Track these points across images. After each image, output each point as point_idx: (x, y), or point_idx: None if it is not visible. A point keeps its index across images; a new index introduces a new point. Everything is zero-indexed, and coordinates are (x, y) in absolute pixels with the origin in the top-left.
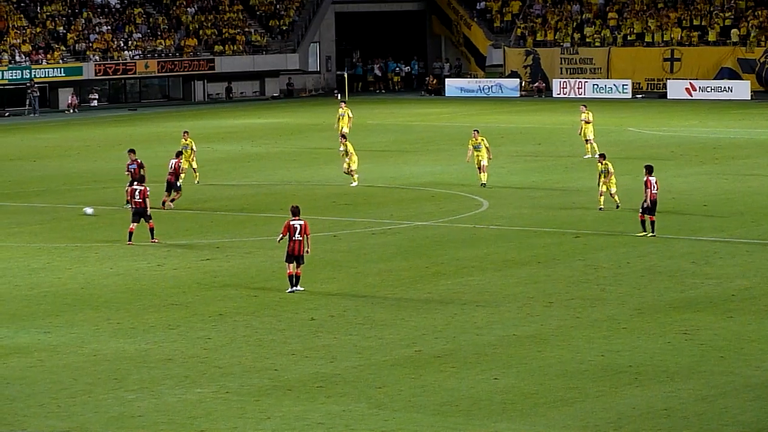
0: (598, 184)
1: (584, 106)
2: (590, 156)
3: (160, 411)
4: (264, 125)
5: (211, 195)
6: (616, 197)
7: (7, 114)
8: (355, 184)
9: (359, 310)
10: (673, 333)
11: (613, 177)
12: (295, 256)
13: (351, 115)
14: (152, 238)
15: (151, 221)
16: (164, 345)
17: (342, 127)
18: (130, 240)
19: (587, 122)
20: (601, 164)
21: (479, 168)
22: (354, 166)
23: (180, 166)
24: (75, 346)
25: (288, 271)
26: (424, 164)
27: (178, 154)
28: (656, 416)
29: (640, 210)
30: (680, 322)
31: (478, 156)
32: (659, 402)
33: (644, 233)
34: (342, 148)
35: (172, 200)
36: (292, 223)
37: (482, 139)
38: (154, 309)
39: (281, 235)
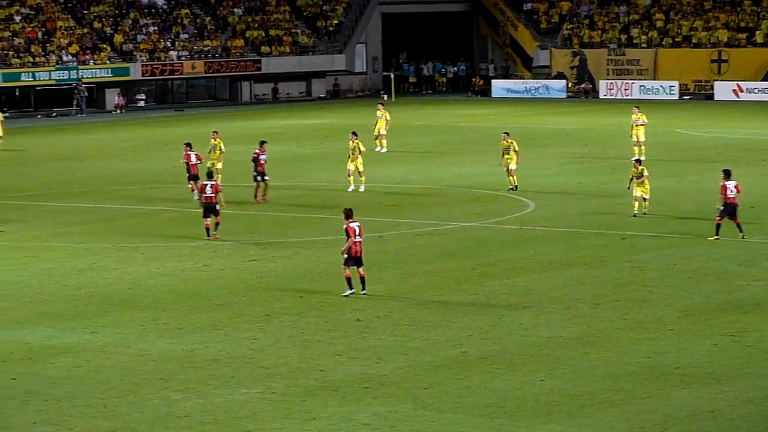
0: (628, 188)
1: (637, 107)
2: (642, 158)
3: (206, 411)
4: (310, 126)
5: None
6: (647, 204)
7: (54, 114)
8: (362, 188)
9: (405, 311)
10: (720, 335)
11: (647, 182)
12: (356, 257)
13: (389, 118)
14: (213, 233)
15: (218, 216)
16: (210, 345)
17: (379, 129)
18: (208, 236)
19: (639, 124)
20: (636, 169)
21: (508, 171)
22: (362, 168)
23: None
24: (121, 346)
25: (346, 274)
26: (470, 165)
27: (262, 144)
28: (702, 418)
29: (717, 214)
30: (727, 324)
31: (507, 159)
32: (706, 404)
33: (716, 237)
34: (352, 147)
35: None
36: (351, 225)
37: (512, 142)
38: (200, 309)
39: (349, 238)
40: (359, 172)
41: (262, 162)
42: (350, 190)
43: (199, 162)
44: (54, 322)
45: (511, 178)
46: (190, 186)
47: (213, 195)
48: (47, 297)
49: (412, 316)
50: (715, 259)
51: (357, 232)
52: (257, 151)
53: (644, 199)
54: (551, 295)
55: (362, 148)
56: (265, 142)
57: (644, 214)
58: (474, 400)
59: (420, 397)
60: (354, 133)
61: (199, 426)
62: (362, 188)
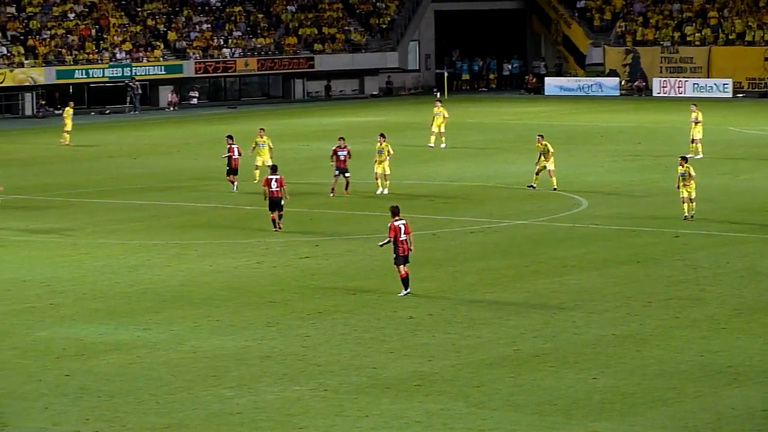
0: (677, 187)
1: (694, 105)
2: (700, 156)
3: (259, 408)
4: (363, 123)
5: (310, 192)
6: (694, 204)
7: (108, 111)
8: (386, 191)
9: (457, 308)
10: None
11: (693, 182)
12: (403, 256)
13: (447, 115)
14: (276, 227)
15: (281, 210)
16: (263, 342)
17: (438, 126)
18: (275, 227)
19: (696, 122)
20: (682, 167)
21: (548, 172)
22: (388, 171)
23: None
24: (174, 343)
25: (400, 274)
26: (522, 163)
27: (340, 139)
28: (756, 417)
29: None
30: None
31: (543, 161)
32: (759, 403)
33: None
34: (380, 149)
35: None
36: (396, 224)
37: (546, 144)
38: (252, 306)
39: (388, 238)
40: (385, 176)
41: (341, 158)
42: (378, 193)
43: (239, 156)
44: (107, 318)
45: (552, 179)
46: (229, 179)
47: (278, 189)
48: (100, 294)
49: (465, 314)
50: None
51: (403, 230)
52: (338, 146)
53: (690, 200)
54: (603, 293)
55: (391, 151)
56: (342, 138)
57: (691, 217)
58: (526, 398)
59: (472, 395)
60: (382, 135)
61: (251, 423)
62: (386, 191)
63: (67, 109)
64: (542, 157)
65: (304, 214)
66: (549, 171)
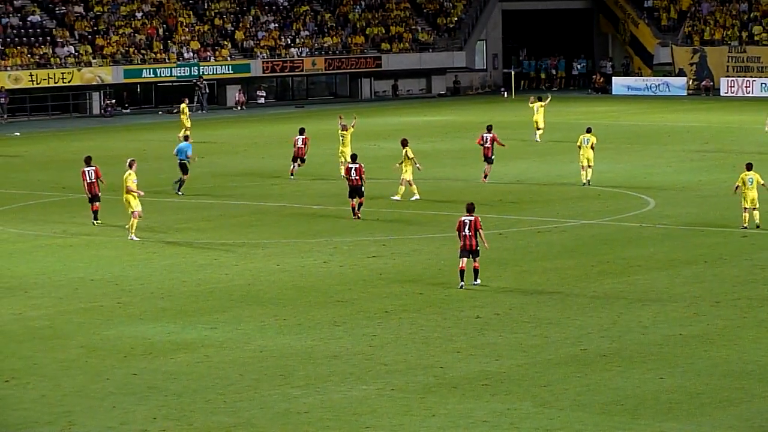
0: (737, 192)
1: None
2: None
3: (326, 407)
4: (430, 123)
5: (378, 192)
6: (756, 215)
7: (175, 111)
8: (416, 197)
9: (525, 308)
10: None
11: (753, 190)
12: (467, 250)
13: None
14: (355, 215)
15: (362, 198)
16: (330, 342)
17: (536, 122)
18: (354, 215)
19: None
20: (748, 173)
21: (582, 167)
22: (410, 176)
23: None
24: (241, 342)
25: (460, 266)
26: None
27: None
28: None
29: None
30: None
31: (585, 155)
32: None
33: None
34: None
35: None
36: (462, 219)
37: (590, 137)
38: (319, 305)
39: (457, 233)
40: (409, 182)
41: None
42: (413, 199)
43: (304, 146)
44: (174, 317)
45: (587, 171)
46: (292, 167)
47: (358, 177)
48: (168, 293)
49: (532, 314)
50: None
51: (468, 226)
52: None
53: (753, 208)
54: (671, 292)
55: (410, 156)
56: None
57: (757, 227)
58: (593, 398)
59: (539, 394)
60: (403, 142)
61: (318, 422)
62: (416, 197)
63: (182, 106)
64: (584, 149)
65: (370, 213)
66: (584, 166)
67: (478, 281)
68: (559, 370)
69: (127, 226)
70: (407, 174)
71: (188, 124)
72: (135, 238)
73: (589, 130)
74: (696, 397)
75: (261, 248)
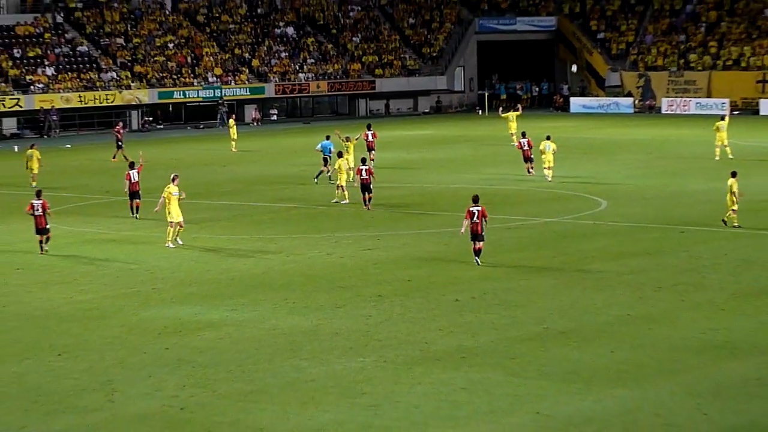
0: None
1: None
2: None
3: (329, 377)
4: (416, 136)
5: (373, 195)
6: (734, 216)
7: (201, 126)
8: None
9: (496, 293)
10: (765, 314)
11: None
12: (475, 234)
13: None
14: (366, 206)
15: (371, 193)
16: (332, 321)
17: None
18: (365, 206)
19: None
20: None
21: (544, 168)
22: (341, 182)
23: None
24: (257, 321)
25: (474, 247)
26: (554, 171)
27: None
28: (750, 385)
29: None
30: None
31: (547, 158)
32: (752, 372)
33: None
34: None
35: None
36: (471, 208)
37: (551, 143)
38: (323, 291)
39: (466, 220)
40: (343, 186)
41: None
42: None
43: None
44: (200, 301)
45: (547, 172)
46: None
47: (367, 177)
48: (195, 280)
49: (502, 297)
50: (761, 249)
51: (475, 215)
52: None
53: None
54: (620, 279)
55: (347, 165)
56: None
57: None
58: (554, 369)
59: (509, 366)
60: (339, 154)
61: (322, 389)
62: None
63: (231, 122)
64: (542, 155)
65: (367, 213)
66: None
67: (479, 261)
68: (525, 345)
69: (169, 243)
70: (342, 180)
71: (235, 135)
72: (171, 245)
73: (548, 138)
74: (641, 368)
75: (274, 242)
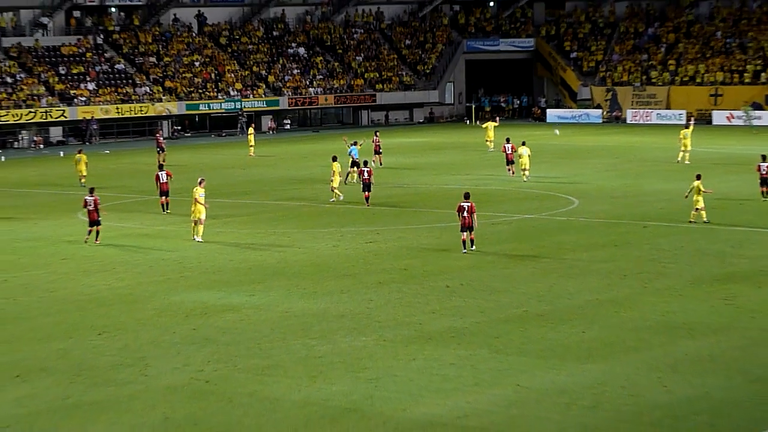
0: (686, 197)
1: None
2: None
3: (335, 353)
4: (412, 143)
5: (374, 194)
6: (704, 213)
7: (223, 134)
8: (334, 200)
9: (482, 280)
10: (717, 299)
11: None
12: (466, 227)
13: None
14: (367, 203)
15: (370, 192)
16: (338, 305)
17: (489, 137)
18: (366, 203)
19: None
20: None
21: (522, 170)
22: (335, 184)
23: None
24: (272, 305)
25: (462, 238)
26: (532, 173)
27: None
28: (703, 361)
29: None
30: (722, 290)
31: (523, 161)
32: (706, 350)
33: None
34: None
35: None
36: (461, 204)
37: (527, 148)
38: (330, 278)
39: (458, 214)
40: (333, 188)
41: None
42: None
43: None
44: (223, 287)
45: (524, 172)
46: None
47: (368, 177)
48: (218, 269)
49: (487, 284)
50: (714, 243)
51: (466, 210)
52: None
53: (696, 209)
54: (590, 268)
55: (335, 170)
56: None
57: (705, 222)
58: (532, 347)
59: (492, 344)
60: (334, 158)
61: (330, 364)
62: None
63: (250, 130)
64: (520, 159)
65: (369, 210)
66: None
67: (474, 247)
68: (507, 325)
69: (196, 237)
70: (335, 182)
71: (253, 142)
72: (199, 239)
73: (524, 143)
74: (609, 346)
75: (286, 236)
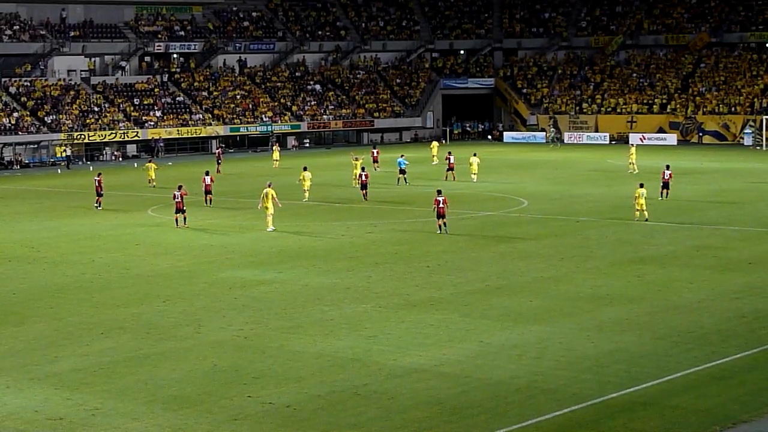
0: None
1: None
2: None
3: (342, 317)
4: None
5: (374, 196)
6: (646, 213)
7: (258, 150)
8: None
9: (454, 261)
10: (632, 276)
11: (642, 199)
12: (440, 215)
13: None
14: (365, 199)
15: (366, 190)
16: (345, 280)
17: (434, 156)
18: (364, 198)
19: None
20: (641, 189)
21: (473, 174)
22: (306, 186)
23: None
24: (295, 280)
25: (438, 223)
26: (492, 180)
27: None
28: (622, 324)
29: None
30: (635, 270)
31: (473, 167)
32: (624, 315)
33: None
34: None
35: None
36: (437, 198)
37: (477, 158)
38: (339, 259)
39: (434, 206)
40: (306, 191)
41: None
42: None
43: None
44: (258, 266)
45: (474, 176)
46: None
47: (366, 181)
48: (254, 252)
49: (458, 265)
50: (629, 234)
51: (440, 203)
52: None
53: (642, 209)
54: (537, 252)
55: (305, 178)
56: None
57: (645, 220)
58: (493, 312)
59: (462, 310)
60: (304, 168)
61: (337, 326)
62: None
63: (275, 147)
64: (470, 166)
65: (368, 207)
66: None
67: (447, 231)
68: (473, 297)
69: (269, 229)
70: (305, 186)
71: (277, 156)
72: (272, 229)
73: (474, 154)
74: (550, 312)
75: (306, 228)
